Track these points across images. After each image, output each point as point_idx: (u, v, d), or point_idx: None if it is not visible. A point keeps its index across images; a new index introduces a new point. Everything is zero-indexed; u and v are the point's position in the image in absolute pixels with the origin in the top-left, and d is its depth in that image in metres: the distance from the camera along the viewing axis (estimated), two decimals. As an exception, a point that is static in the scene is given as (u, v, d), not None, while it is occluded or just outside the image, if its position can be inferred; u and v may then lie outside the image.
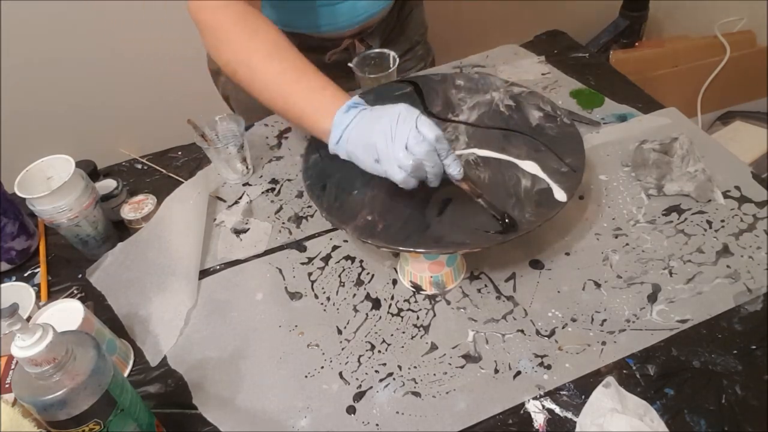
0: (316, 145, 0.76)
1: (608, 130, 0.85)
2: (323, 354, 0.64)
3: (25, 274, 0.78)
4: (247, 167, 0.86)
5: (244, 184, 0.86)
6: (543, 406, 0.57)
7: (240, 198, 0.83)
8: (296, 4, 0.88)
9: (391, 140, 0.59)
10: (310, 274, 0.72)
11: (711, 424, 0.54)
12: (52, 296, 0.75)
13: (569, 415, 0.56)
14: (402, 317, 0.66)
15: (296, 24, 0.91)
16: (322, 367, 0.63)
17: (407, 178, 0.60)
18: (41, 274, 0.77)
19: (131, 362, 0.66)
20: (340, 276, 0.71)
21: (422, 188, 0.68)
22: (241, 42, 0.69)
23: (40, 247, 0.81)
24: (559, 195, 0.65)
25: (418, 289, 0.68)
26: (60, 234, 0.75)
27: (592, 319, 0.63)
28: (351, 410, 0.59)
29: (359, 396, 0.60)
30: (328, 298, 0.69)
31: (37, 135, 1.47)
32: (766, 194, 0.73)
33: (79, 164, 0.75)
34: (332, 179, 0.71)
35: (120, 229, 0.80)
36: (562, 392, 0.58)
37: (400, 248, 0.62)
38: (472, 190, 0.64)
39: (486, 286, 0.68)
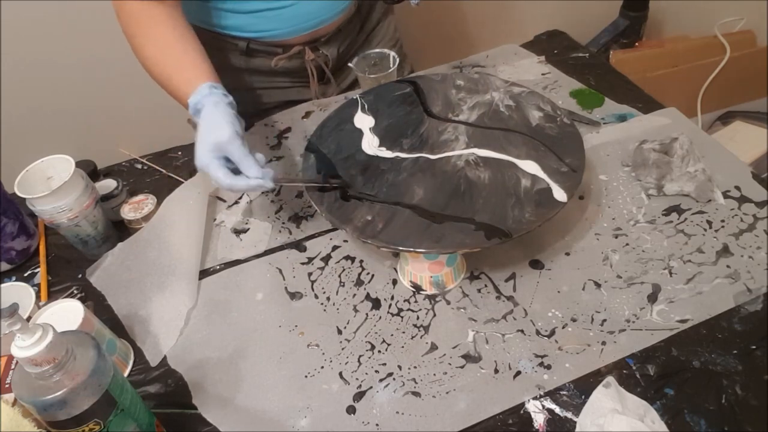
0: (316, 145, 0.76)
1: (608, 130, 0.85)
2: (323, 354, 0.64)
3: (25, 274, 0.78)
4: (247, 167, 0.85)
5: (244, 184, 0.85)
6: (543, 406, 0.57)
7: (240, 198, 0.83)
8: (238, 5, 0.85)
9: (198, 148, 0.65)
10: (310, 274, 0.72)
11: (711, 424, 0.54)
12: (52, 296, 0.75)
13: (569, 415, 0.56)
14: (402, 317, 0.66)
15: (240, 28, 0.89)
16: (322, 367, 0.63)
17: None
18: (41, 274, 0.77)
19: (131, 362, 0.66)
20: (340, 276, 0.71)
21: (422, 187, 0.68)
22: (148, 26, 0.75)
23: (40, 247, 0.81)
24: (559, 195, 0.65)
25: (418, 289, 0.68)
26: (60, 234, 0.76)
27: (592, 319, 0.63)
28: (351, 410, 0.59)
29: (359, 396, 0.60)
30: (328, 298, 0.69)
31: (37, 135, 1.46)
32: (766, 194, 0.73)
33: (79, 164, 0.75)
34: (332, 179, 0.71)
35: (120, 229, 0.80)
36: (562, 392, 0.58)
37: (400, 248, 0.62)
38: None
39: (486, 286, 0.68)
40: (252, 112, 0.98)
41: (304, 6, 0.86)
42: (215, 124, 0.65)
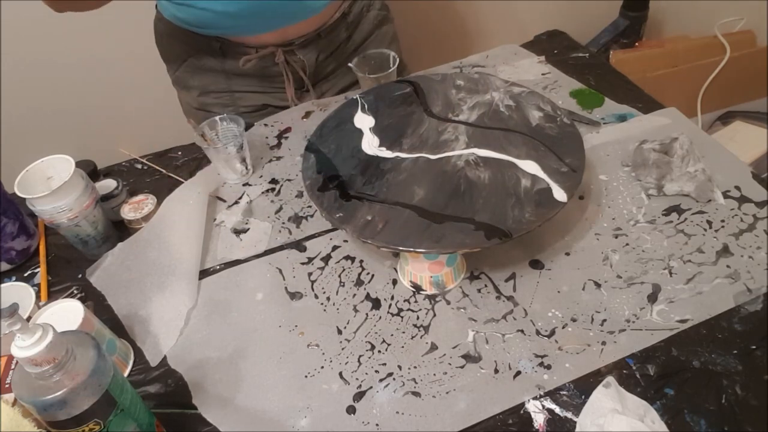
0: (316, 145, 0.76)
1: (608, 130, 0.85)
2: (323, 354, 0.64)
3: (25, 274, 0.78)
4: (246, 167, 0.86)
5: (244, 184, 0.86)
6: (543, 406, 0.57)
7: (240, 198, 0.83)
8: (201, 3, 0.83)
9: None
10: (310, 274, 0.72)
11: (711, 424, 0.54)
12: (52, 296, 0.75)
13: (569, 415, 0.56)
14: (402, 317, 0.66)
15: (210, 26, 0.87)
16: (322, 367, 0.63)
17: None
18: (41, 274, 0.77)
19: (131, 362, 0.66)
20: (340, 276, 0.71)
21: (422, 187, 0.68)
22: None
23: (40, 247, 0.81)
24: (559, 195, 0.65)
25: (418, 289, 0.68)
26: (60, 234, 0.76)
27: (592, 319, 0.63)
28: (351, 410, 0.59)
29: (359, 396, 0.60)
30: (328, 298, 0.69)
31: (37, 135, 1.47)
32: (766, 194, 0.73)
33: (79, 164, 0.75)
34: (332, 179, 0.71)
35: (120, 229, 0.80)
36: (562, 392, 0.58)
37: (400, 248, 0.62)
38: None
39: (486, 286, 0.68)
40: (232, 113, 0.98)
41: (265, 3, 0.83)
42: None
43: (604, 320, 0.63)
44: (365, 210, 0.66)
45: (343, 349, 0.64)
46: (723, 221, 0.71)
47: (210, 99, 0.98)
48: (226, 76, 0.96)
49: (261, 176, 0.87)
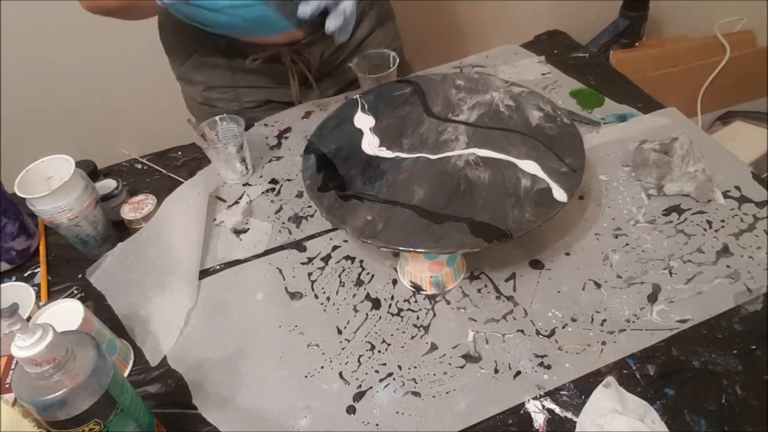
0: (316, 145, 0.76)
1: (608, 130, 0.85)
2: (323, 354, 0.64)
3: (25, 274, 0.78)
4: (246, 167, 0.86)
5: (244, 184, 0.86)
6: (543, 406, 0.57)
7: (240, 198, 0.83)
8: (208, 3, 0.80)
9: None
10: (310, 274, 0.72)
11: (711, 424, 0.54)
12: (52, 296, 0.75)
13: (569, 415, 0.56)
14: (402, 317, 0.66)
15: (216, 26, 0.84)
16: (322, 367, 0.63)
17: None
18: (41, 274, 0.77)
19: (131, 362, 0.66)
20: (340, 276, 0.71)
21: (422, 187, 0.68)
22: None
23: (40, 247, 0.81)
24: (559, 195, 0.65)
25: (418, 289, 0.68)
26: (60, 234, 0.76)
27: (592, 319, 0.63)
28: (351, 410, 0.59)
29: (359, 396, 0.60)
30: (328, 298, 0.69)
31: (37, 135, 1.47)
32: (766, 194, 0.73)
33: (79, 164, 0.75)
34: (332, 179, 0.71)
35: (120, 229, 0.80)
36: (562, 392, 0.58)
37: (400, 248, 0.62)
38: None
39: (486, 286, 0.68)
40: (236, 109, 0.99)
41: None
42: None
43: (604, 320, 0.63)
44: (365, 210, 0.66)
45: (343, 349, 0.64)
46: (723, 221, 0.71)
47: (215, 94, 0.99)
48: (231, 71, 0.96)
49: (261, 176, 0.87)
